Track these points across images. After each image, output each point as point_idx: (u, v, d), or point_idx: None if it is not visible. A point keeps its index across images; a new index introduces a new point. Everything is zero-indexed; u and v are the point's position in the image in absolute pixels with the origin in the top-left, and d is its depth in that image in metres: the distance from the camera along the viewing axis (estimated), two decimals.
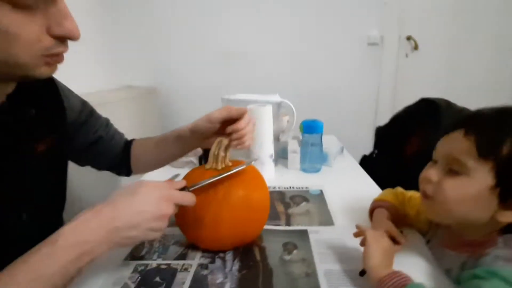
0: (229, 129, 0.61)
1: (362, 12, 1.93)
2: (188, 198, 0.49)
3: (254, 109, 0.90)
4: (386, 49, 1.97)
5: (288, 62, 2.00)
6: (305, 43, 1.97)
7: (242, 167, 0.55)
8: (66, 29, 0.41)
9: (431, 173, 0.49)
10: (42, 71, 0.43)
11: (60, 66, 0.45)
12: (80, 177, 0.83)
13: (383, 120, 1.56)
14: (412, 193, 0.65)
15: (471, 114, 0.49)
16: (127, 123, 0.82)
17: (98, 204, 0.44)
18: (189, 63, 2.04)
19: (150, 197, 0.46)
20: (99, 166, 0.76)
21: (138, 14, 1.97)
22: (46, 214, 0.56)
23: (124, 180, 0.83)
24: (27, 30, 0.38)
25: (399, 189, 0.67)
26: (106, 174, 0.81)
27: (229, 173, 0.54)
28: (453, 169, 0.46)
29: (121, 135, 0.77)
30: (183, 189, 0.50)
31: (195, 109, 2.01)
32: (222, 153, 0.58)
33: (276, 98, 1.01)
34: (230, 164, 0.58)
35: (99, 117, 0.73)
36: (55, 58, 0.43)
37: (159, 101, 2.06)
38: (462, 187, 0.45)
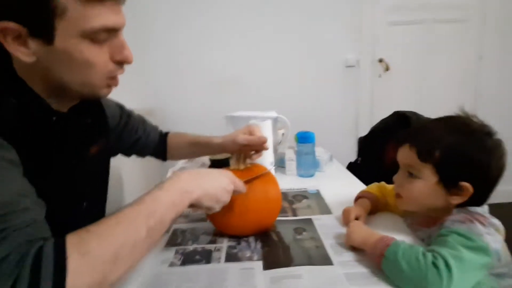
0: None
1: (340, 39, 2.17)
2: (243, 185, 0.63)
3: (256, 124, 1.05)
4: (362, 71, 2.21)
5: (278, 84, 2.20)
6: (292, 67, 2.19)
7: (268, 171, 0.72)
8: (124, 55, 0.54)
9: (396, 178, 0.68)
10: (104, 92, 0.57)
11: None
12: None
13: (363, 131, 1.75)
14: (392, 187, 0.81)
15: (413, 130, 0.67)
16: None
17: None
18: (183, 87, 2.20)
19: (223, 170, 0.63)
20: (142, 155, 0.94)
21: (135, 40, 2.12)
22: (98, 202, 0.69)
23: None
24: (100, 58, 0.52)
25: (382, 183, 0.83)
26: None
27: (267, 171, 0.71)
28: (410, 172, 0.64)
29: (155, 129, 0.94)
30: None
31: (189, 129, 2.15)
32: (242, 157, 0.72)
33: (273, 114, 1.17)
34: (249, 165, 0.73)
35: (136, 117, 0.88)
36: (114, 81, 0.57)
37: (156, 122, 2.17)
38: (417, 187, 0.63)
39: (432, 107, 2.21)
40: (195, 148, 0.92)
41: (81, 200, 0.65)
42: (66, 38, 0.48)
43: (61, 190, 0.59)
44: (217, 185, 0.58)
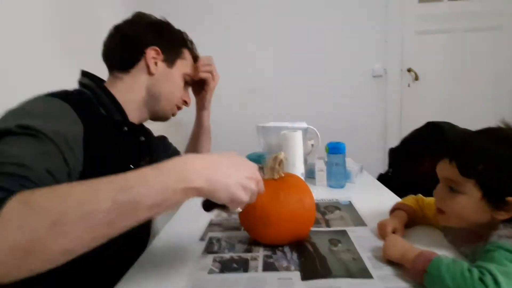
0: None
1: (367, 49, 2.16)
2: (262, 185, 0.58)
3: (287, 134, 1.06)
4: (389, 81, 2.18)
5: (306, 95, 2.21)
6: (320, 77, 2.19)
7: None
8: (188, 98, 0.91)
9: (436, 193, 0.66)
10: (170, 115, 0.88)
11: None
12: None
13: (392, 143, 1.72)
14: (430, 199, 0.79)
15: (453, 144, 0.64)
16: None
17: None
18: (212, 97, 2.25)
19: (248, 163, 0.56)
20: None
21: None
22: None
23: None
24: (180, 91, 0.87)
25: (420, 196, 0.82)
26: None
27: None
28: (451, 187, 0.62)
29: (180, 153, 1.08)
30: None
31: (218, 138, 2.19)
32: (277, 167, 0.73)
33: (303, 124, 1.18)
34: (283, 175, 0.74)
35: (168, 142, 1.04)
36: (175, 111, 0.89)
37: (184, 132, 2.24)
38: (460, 202, 0.61)
39: (464, 118, 2.13)
40: (194, 140, 1.10)
41: None
42: (178, 69, 0.85)
43: None
44: (233, 180, 0.49)
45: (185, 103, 0.89)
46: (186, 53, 0.86)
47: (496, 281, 0.47)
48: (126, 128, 0.75)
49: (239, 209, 0.55)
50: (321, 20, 2.15)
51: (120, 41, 0.80)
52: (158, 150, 0.95)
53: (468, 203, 0.60)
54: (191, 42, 0.90)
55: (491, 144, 0.59)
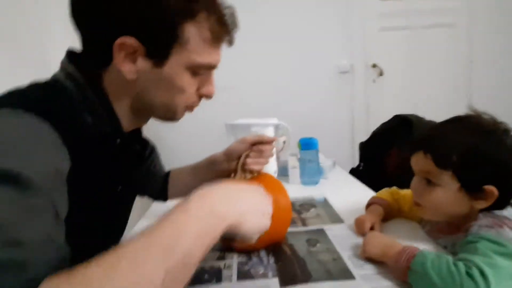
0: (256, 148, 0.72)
1: (333, 46, 2.18)
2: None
3: (257, 131, 1.01)
4: (355, 76, 2.21)
5: (274, 92, 2.18)
6: (288, 74, 2.17)
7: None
8: (209, 92, 0.56)
9: (413, 186, 0.64)
10: (179, 117, 0.57)
11: None
12: None
13: (360, 137, 1.73)
14: (405, 192, 0.77)
15: (425, 135, 0.63)
16: None
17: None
18: None
19: (252, 186, 0.52)
20: (142, 194, 0.83)
21: None
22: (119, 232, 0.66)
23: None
24: (191, 88, 0.53)
25: (394, 188, 0.80)
26: None
27: None
28: (428, 179, 0.60)
29: (163, 167, 0.85)
30: None
31: (185, 140, 2.10)
32: (248, 168, 0.68)
33: (274, 121, 1.13)
34: (255, 174, 0.68)
35: (157, 153, 0.83)
36: (190, 110, 0.58)
37: (148, 135, 2.12)
38: (438, 195, 0.59)
39: (427, 111, 2.20)
40: (198, 173, 0.80)
41: (117, 228, 0.62)
42: (175, 65, 0.49)
43: (101, 214, 0.52)
44: (255, 208, 0.46)
45: (206, 97, 0.57)
46: (190, 27, 0.48)
47: (483, 274, 0.45)
48: (118, 141, 0.53)
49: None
50: (288, 17, 2.13)
51: (83, 36, 0.49)
52: (149, 160, 0.79)
53: (446, 195, 0.58)
54: None
55: (464, 133, 0.58)
